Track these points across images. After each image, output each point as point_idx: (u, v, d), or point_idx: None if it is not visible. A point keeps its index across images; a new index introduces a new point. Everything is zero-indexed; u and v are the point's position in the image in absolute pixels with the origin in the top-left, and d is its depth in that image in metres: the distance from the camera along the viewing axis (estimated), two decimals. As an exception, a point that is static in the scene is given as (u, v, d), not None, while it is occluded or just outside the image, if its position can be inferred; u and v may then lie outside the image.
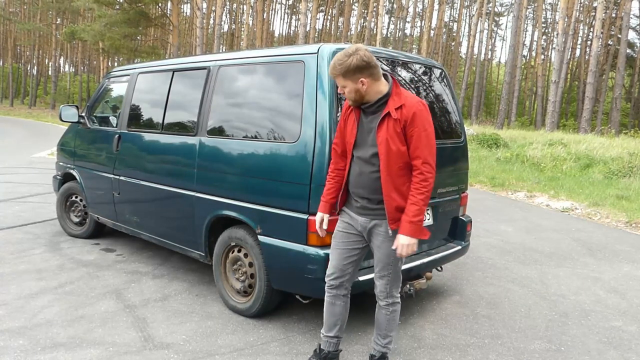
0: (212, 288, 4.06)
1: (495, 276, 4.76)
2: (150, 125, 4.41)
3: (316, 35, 42.39)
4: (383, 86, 2.49)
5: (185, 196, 3.86)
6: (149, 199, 4.34)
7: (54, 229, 5.73)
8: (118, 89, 5.01)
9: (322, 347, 2.83)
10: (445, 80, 4.01)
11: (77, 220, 5.50)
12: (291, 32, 59.13)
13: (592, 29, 33.98)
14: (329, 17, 54.24)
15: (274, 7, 56.72)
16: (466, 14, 51.58)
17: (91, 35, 27.54)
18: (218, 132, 3.67)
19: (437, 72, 3.97)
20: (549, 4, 45.86)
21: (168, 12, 33.13)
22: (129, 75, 4.84)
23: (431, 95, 3.86)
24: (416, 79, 3.78)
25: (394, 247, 2.50)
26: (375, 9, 35.74)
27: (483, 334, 3.49)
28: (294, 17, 58.20)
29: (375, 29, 38.32)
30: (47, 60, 57.64)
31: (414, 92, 3.64)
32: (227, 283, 3.71)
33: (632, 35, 39.12)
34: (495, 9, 50.22)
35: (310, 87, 3.08)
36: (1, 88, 55.63)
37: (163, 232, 4.27)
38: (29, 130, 22.49)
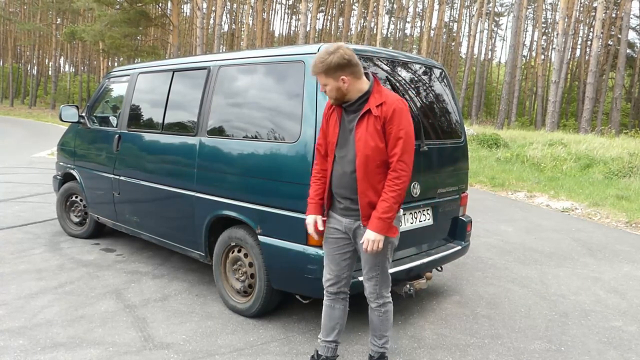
0: (212, 288, 4.06)
1: (495, 276, 4.76)
2: (150, 125, 4.41)
3: (316, 35, 42.39)
4: (364, 84, 2.49)
5: (186, 196, 3.86)
6: (149, 199, 4.34)
7: (54, 229, 5.73)
8: (118, 89, 5.02)
9: (319, 352, 2.81)
10: (445, 80, 4.01)
11: (77, 220, 5.50)
12: (291, 32, 59.16)
13: (592, 29, 33.98)
14: (329, 17, 54.26)
15: (274, 7, 56.74)
16: (466, 14, 51.58)
17: (91, 35, 27.56)
18: (218, 132, 3.67)
19: (437, 72, 3.97)
20: (549, 4, 45.87)
21: (168, 12, 33.13)
22: (129, 75, 4.84)
23: (431, 95, 3.86)
24: (416, 79, 3.78)
25: (361, 242, 2.50)
26: (375, 9, 35.73)
27: (483, 334, 3.49)
28: (294, 17, 58.24)
29: (375, 29, 38.33)
30: (47, 60, 57.66)
31: (414, 92, 3.64)
32: (227, 283, 3.71)
33: (632, 35, 39.14)
34: (495, 9, 50.22)
35: (311, 87, 3.08)
36: (1, 88, 55.63)
37: (163, 232, 4.27)
38: (29, 130, 22.49)
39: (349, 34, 43.45)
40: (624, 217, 7.62)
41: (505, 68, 28.73)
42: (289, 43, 51.69)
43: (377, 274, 2.61)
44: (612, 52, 35.85)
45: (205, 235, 3.76)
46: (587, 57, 37.02)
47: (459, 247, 3.97)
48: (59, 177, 5.67)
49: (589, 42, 38.35)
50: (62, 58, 60.41)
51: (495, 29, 58.94)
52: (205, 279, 4.29)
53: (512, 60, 27.25)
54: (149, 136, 4.36)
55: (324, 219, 2.71)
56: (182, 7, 42.53)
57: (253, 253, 3.41)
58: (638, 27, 41.21)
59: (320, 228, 2.68)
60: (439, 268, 3.95)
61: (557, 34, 25.88)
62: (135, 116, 4.61)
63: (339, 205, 2.61)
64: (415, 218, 3.55)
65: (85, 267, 4.51)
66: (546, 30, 48.14)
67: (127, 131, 4.58)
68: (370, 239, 2.43)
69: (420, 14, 49.84)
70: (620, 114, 28.42)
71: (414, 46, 50.02)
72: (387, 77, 3.42)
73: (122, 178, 4.57)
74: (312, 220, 2.69)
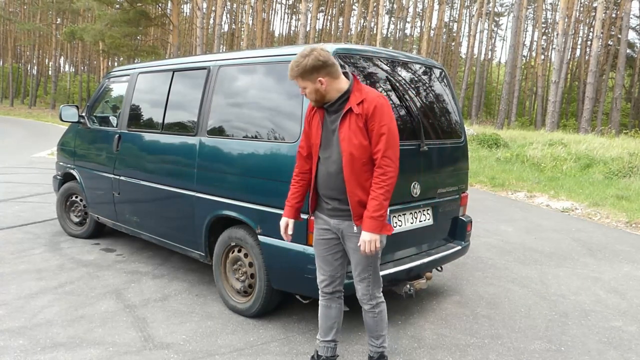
0: (212, 288, 4.06)
1: (495, 276, 4.76)
2: (150, 125, 4.41)
3: (316, 35, 42.37)
4: (343, 84, 2.48)
5: (186, 196, 3.86)
6: (149, 199, 4.34)
7: (54, 229, 5.73)
8: (118, 89, 5.02)
9: (319, 353, 2.81)
10: (445, 80, 4.01)
11: (77, 220, 5.50)
12: (291, 32, 59.15)
13: (592, 29, 33.98)
14: (329, 17, 54.26)
15: (274, 7, 56.74)
16: (466, 14, 51.58)
17: (91, 35, 27.57)
18: (218, 132, 3.67)
19: (437, 72, 3.97)
20: (549, 4, 45.84)
21: (168, 12, 33.13)
22: (129, 75, 4.84)
23: (431, 95, 3.86)
24: (416, 79, 3.78)
25: (358, 244, 2.49)
26: (375, 9, 35.75)
27: (483, 334, 3.49)
28: (294, 17, 58.23)
29: (375, 29, 38.36)
30: (47, 60, 57.65)
31: (414, 92, 3.64)
32: (227, 283, 3.71)
33: (632, 35, 39.14)
34: (495, 9, 50.20)
35: (311, 87, 3.08)
36: (1, 88, 55.61)
37: (163, 232, 4.27)
38: (29, 130, 22.49)
39: (349, 34, 43.45)
40: (624, 217, 7.62)
41: (505, 68, 28.74)
42: (289, 43, 51.70)
43: (370, 275, 2.61)
44: (612, 52, 35.85)
45: (205, 235, 3.76)
46: (587, 57, 37.02)
47: (459, 247, 3.97)
48: (59, 177, 5.67)
49: (589, 42, 38.36)
50: (62, 58, 60.46)
51: (495, 29, 58.97)
52: (205, 279, 4.29)
53: (512, 60, 27.26)
54: (149, 136, 4.36)
55: (312, 219, 2.72)
56: (182, 7, 42.57)
57: (253, 253, 3.41)
58: (638, 27, 41.23)
59: (291, 232, 2.71)
60: (439, 268, 3.95)
61: (557, 34, 25.88)
62: (135, 116, 4.61)
63: (327, 206, 2.61)
64: (415, 218, 3.55)
65: (85, 267, 4.51)
66: (546, 30, 48.15)
67: (127, 131, 4.58)
68: (366, 239, 2.42)
69: (420, 14, 49.83)
70: (620, 114, 28.43)
71: (414, 46, 50.05)
72: (387, 77, 3.42)
73: (122, 178, 4.57)
74: (284, 223, 2.72)
